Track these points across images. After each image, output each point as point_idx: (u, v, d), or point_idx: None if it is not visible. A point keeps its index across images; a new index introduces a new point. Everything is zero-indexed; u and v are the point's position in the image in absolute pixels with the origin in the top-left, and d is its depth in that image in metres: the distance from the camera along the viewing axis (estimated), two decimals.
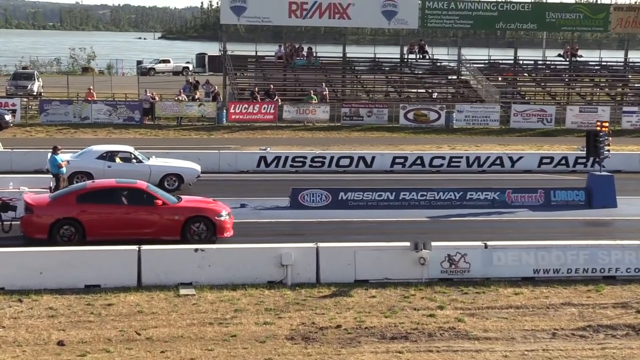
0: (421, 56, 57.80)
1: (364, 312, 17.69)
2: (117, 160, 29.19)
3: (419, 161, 35.85)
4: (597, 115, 47.49)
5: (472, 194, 28.45)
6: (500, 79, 56.79)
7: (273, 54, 56.36)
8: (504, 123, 49.67)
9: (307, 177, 32.86)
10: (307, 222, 25.69)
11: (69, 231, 21.81)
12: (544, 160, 36.60)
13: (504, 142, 43.95)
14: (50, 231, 21.75)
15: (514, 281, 19.98)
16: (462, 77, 56.59)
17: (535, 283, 19.97)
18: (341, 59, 57.42)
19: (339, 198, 27.92)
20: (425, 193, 28.41)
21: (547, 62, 60.93)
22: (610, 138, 29.61)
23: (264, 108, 47.68)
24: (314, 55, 56.31)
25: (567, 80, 57.93)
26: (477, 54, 59.39)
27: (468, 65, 57.12)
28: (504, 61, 60.36)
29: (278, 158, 34.83)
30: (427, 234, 22.76)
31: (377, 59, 57.94)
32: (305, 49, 56.57)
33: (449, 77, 56.99)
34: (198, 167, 30.39)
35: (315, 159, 35.40)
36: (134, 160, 29.32)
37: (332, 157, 35.54)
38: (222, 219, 22.63)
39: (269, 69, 55.21)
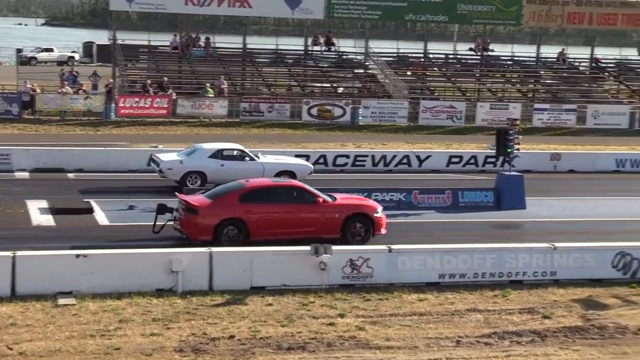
0: (327, 48, 58.08)
1: (260, 321, 17.70)
2: (229, 158, 30.28)
3: (322, 160, 35.96)
4: (508, 113, 48.53)
5: (377, 195, 28.54)
6: (409, 73, 57.50)
7: (168, 44, 55.84)
8: (412, 120, 50.33)
9: None
10: None
11: (233, 232, 22.65)
12: (453, 160, 37.29)
13: (411, 140, 44.55)
14: (214, 232, 22.49)
15: (419, 287, 20.30)
16: (369, 71, 57.06)
17: (441, 288, 20.31)
18: (241, 51, 57.30)
19: None
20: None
21: (458, 57, 62.00)
22: (521, 136, 30.30)
23: (157, 102, 47.23)
24: (212, 46, 56.01)
25: (478, 75, 59.09)
26: (386, 47, 60.03)
27: (376, 58, 57.68)
28: (413, 55, 61.14)
29: None
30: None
31: (279, 51, 58.02)
32: (203, 39, 56.17)
33: (356, 70, 57.35)
34: (310, 165, 31.90)
35: None
36: (247, 158, 30.35)
37: None
38: (379, 215, 23.92)
39: (162, 60, 54.68)
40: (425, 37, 60.77)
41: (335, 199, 24.13)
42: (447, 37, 65.35)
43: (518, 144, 29.76)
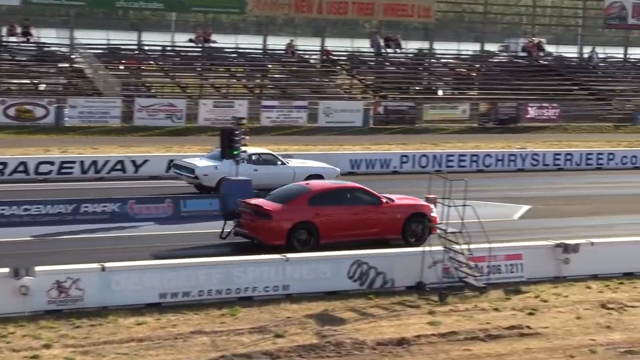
0: (25, 39, 56.52)
1: None
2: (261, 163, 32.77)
3: (22, 168, 35.41)
4: (233, 111, 49.25)
5: (87, 206, 28.47)
6: (121, 67, 57.04)
7: None
8: (127, 120, 49.94)
9: None
10: None
11: (304, 235, 24.95)
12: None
13: (126, 142, 44.20)
14: (287, 236, 24.64)
15: (137, 309, 20.18)
16: (76, 66, 56.03)
17: (162, 309, 20.29)
18: None
19: None
20: (29, 207, 28.08)
21: (177, 49, 61.99)
22: (248, 137, 30.73)
23: None
24: None
25: (199, 70, 59.44)
26: (95, 38, 59.13)
27: (83, 51, 56.70)
28: (126, 46, 60.54)
29: None
30: (31, 257, 22.47)
31: None
32: None
33: (60, 65, 56.20)
34: (337, 168, 34.33)
35: None
36: (279, 163, 33.07)
37: None
38: (435, 215, 25.80)
39: None
40: (139, 27, 60.39)
41: (393, 200, 26.53)
42: (164, 26, 65.17)
43: (245, 145, 30.18)
